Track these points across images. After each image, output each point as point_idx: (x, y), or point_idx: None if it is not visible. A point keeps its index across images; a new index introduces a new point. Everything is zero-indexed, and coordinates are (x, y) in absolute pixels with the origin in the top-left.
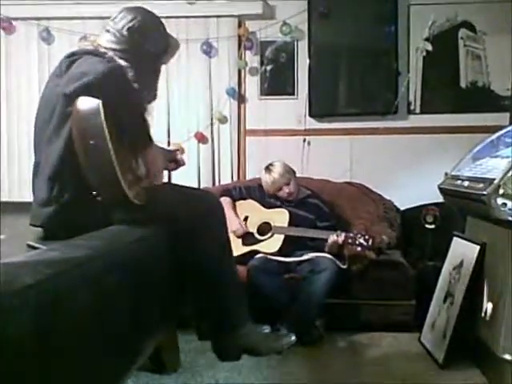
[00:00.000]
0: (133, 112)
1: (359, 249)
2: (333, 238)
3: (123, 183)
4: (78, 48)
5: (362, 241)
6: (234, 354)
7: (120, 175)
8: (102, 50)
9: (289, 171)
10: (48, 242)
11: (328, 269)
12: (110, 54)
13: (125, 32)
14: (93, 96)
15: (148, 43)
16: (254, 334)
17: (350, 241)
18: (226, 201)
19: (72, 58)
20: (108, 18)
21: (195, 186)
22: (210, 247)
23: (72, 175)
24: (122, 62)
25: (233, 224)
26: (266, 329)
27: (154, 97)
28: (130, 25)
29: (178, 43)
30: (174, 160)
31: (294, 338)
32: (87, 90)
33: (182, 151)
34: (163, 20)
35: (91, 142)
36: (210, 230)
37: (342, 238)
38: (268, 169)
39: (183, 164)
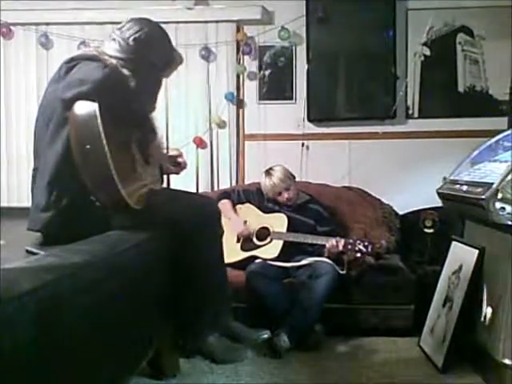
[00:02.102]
0: (134, 111)
1: (358, 255)
2: (332, 243)
3: (121, 188)
4: (79, 53)
5: (361, 247)
6: (188, 353)
7: (117, 180)
8: (105, 57)
9: (289, 176)
10: (47, 248)
11: (327, 274)
12: (113, 61)
13: (131, 42)
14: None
15: (153, 55)
16: (216, 344)
17: (349, 247)
18: (226, 203)
19: (71, 64)
20: (106, 23)
21: (194, 190)
22: (204, 254)
23: (70, 180)
24: (125, 72)
25: (237, 225)
26: (266, 333)
27: (154, 109)
28: (137, 35)
29: (182, 58)
30: (176, 163)
31: (249, 354)
32: (85, 96)
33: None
34: (162, 25)
35: (87, 147)
36: (208, 236)
37: (341, 243)
38: (268, 173)
39: (185, 166)
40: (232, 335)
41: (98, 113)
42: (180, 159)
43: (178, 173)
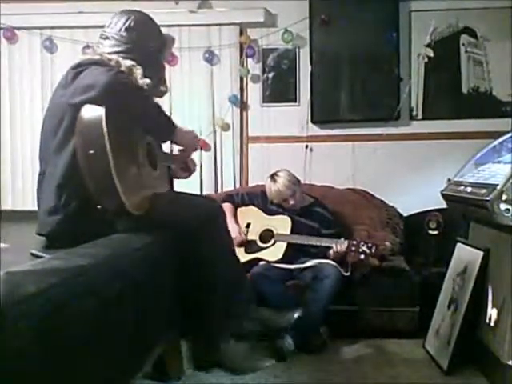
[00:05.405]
0: (146, 109)
1: (362, 257)
2: (336, 245)
3: (122, 194)
4: (83, 58)
5: (365, 248)
6: (207, 366)
7: (119, 185)
8: (107, 56)
9: (294, 182)
10: (52, 251)
11: (331, 275)
12: (115, 57)
13: (123, 33)
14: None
15: (147, 39)
16: (232, 352)
17: (353, 248)
18: (227, 207)
19: (78, 69)
20: None
21: (198, 193)
22: (210, 255)
23: (79, 184)
24: (129, 62)
25: (232, 232)
26: (297, 312)
27: (166, 88)
28: (127, 25)
29: (173, 38)
30: (185, 166)
31: (271, 362)
32: (93, 101)
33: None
34: (165, 29)
35: (91, 152)
36: (212, 237)
37: (345, 245)
38: (273, 179)
39: (194, 168)
40: (260, 321)
41: (104, 118)
42: (190, 163)
43: (186, 177)
